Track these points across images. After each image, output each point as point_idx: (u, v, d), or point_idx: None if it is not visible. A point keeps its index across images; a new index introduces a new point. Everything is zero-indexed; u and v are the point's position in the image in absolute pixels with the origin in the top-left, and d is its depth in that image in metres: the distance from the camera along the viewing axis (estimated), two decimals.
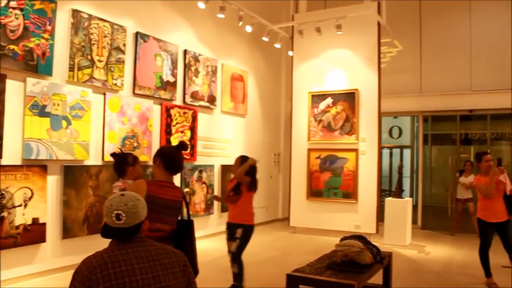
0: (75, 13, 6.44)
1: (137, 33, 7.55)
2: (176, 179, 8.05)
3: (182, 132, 8.50)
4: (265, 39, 9.79)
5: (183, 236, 3.12)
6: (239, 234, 5.54)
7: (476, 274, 6.77)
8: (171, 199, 3.07)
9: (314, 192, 9.85)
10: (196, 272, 3.17)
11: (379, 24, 9.49)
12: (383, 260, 5.25)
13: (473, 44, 10.80)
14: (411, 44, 11.38)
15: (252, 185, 5.67)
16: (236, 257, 5.58)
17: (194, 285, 2.15)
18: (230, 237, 5.65)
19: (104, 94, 6.92)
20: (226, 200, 5.76)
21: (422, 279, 6.52)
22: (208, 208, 9.19)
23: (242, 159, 5.72)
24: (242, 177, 5.54)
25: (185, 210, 3.33)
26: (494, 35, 10.67)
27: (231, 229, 5.64)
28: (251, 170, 5.65)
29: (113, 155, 4.56)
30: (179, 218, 3.27)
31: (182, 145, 3.33)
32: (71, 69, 6.39)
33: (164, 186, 3.09)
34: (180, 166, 3.27)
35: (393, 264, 5.92)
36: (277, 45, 10.25)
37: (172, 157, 3.21)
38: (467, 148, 11.69)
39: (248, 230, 5.60)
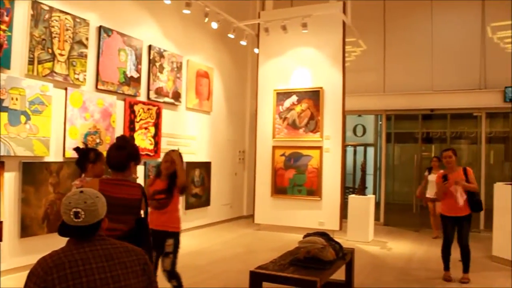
0: (35, 4, 6.25)
1: (100, 27, 7.40)
2: (139, 176, 7.97)
3: (146, 128, 8.39)
4: (231, 36, 9.77)
5: (139, 234, 3.05)
6: (170, 247, 4.66)
7: (436, 268, 6.97)
8: (126, 197, 2.99)
9: (279, 189, 9.91)
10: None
11: (344, 23, 9.60)
12: (345, 256, 5.33)
13: (434, 44, 11.08)
14: (375, 44, 11.58)
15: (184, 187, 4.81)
16: (172, 273, 4.73)
17: (155, 284, 2.12)
18: (159, 248, 4.60)
19: (66, 89, 6.75)
20: (155, 205, 4.69)
21: (384, 275, 6.66)
22: None
23: (180, 155, 4.85)
24: (184, 177, 4.78)
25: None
26: (454, 36, 10.99)
27: (158, 238, 4.50)
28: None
29: (76, 149, 4.44)
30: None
31: (122, 139, 3.29)
32: (31, 62, 6.21)
33: (119, 184, 3.01)
34: (117, 163, 3.17)
35: (356, 260, 6.02)
36: (243, 42, 10.25)
37: (107, 154, 3.16)
38: (428, 146, 11.99)
39: (179, 239, 4.81)
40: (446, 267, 6.41)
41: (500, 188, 7.71)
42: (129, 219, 3.01)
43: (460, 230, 6.24)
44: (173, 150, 4.87)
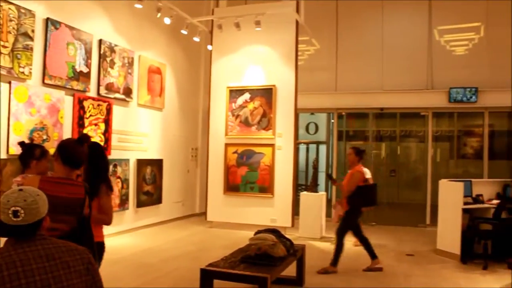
0: None
1: (47, 19, 7.13)
2: None
3: (96, 125, 8.19)
4: (184, 32, 9.68)
5: (82, 234, 2.95)
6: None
7: (384, 263, 7.15)
8: (68, 196, 2.88)
9: (231, 187, 9.91)
10: None
11: (297, 22, 9.69)
12: (296, 253, 5.41)
13: (384, 45, 11.37)
14: (328, 43, 11.77)
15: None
16: None
17: (99, 283, 2.07)
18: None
19: (10, 82, 6.48)
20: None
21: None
22: (123, 204, 8.94)
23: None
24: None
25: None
26: (403, 37, 11.33)
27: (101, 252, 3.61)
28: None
29: (21, 144, 4.28)
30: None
31: (83, 138, 3.19)
32: None
33: (60, 182, 2.90)
34: (79, 160, 3.07)
35: (307, 256, 6.12)
36: (196, 39, 10.18)
37: (69, 150, 3.04)
38: (379, 145, 12.28)
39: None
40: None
41: (444, 185, 8.01)
42: (71, 218, 2.89)
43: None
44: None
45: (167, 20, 9.11)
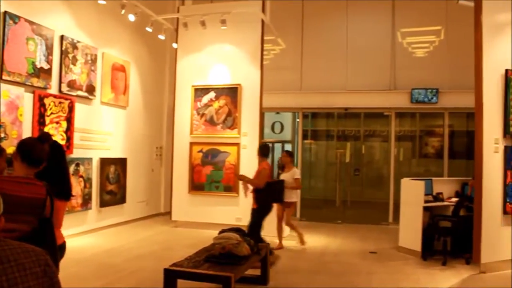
0: None
1: (5, 13, 6.90)
2: None
3: (57, 123, 7.99)
4: (149, 29, 9.57)
5: (43, 235, 2.88)
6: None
7: (348, 261, 7.30)
8: (27, 196, 2.80)
9: (196, 186, 9.86)
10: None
11: (263, 22, 9.72)
12: (260, 252, 5.43)
13: (349, 46, 11.53)
14: (294, 43, 11.85)
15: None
16: None
17: (57, 285, 2.01)
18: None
19: None
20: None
21: (298, 268, 6.84)
22: (85, 203, 8.76)
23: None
24: None
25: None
26: (367, 38, 11.52)
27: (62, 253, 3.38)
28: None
29: None
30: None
31: (44, 136, 3.10)
32: None
33: (20, 182, 2.82)
34: (40, 159, 2.99)
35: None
36: (161, 37, 10.08)
37: (29, 148, 2.95)
38: (343, 144, 12.45)
39: None
40: None
41: (406, 184, 8.19)
42: (32, 219, 2.82)
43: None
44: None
45: (131, 17, 8.99)
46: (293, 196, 8.20)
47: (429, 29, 11.27)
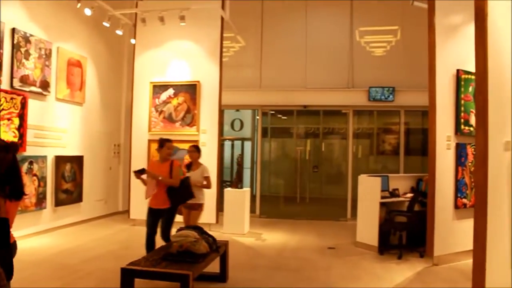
0: None
1: None
2: None
3: (9, 119, 7.72)
4: (106, 24, 9.38)
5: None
6: None
7: (306, 257, 7.39)
8: None
9: None
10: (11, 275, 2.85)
11: (222, 19, 9.68)
12: (219, 249, 5.42)
13: (308, 44, 11.65)
14: (253, 41, 11.88)
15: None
16: None
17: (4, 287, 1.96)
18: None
19: None
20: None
21: (257, 265, 6.86)
22: (40, 203, 8.51)
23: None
24: None
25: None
26: (326, 37, 11.68)
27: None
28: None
29: None
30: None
31: (11, 146, 3.02)
32: None
33: None
34: None
35: (231, 252, 6.15)
36: (119, 32, 9.89)
37: None
38: (303, 141, 12.57)
39: None
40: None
41: (363, 180, 8.35)
42: None
43: (163, 222, 6.18)
44: None
45: (87, 11, 8.78)
46: (201, 197, 6.99)
47: (386, 29, 11.52)
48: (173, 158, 6.57)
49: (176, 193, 6.15)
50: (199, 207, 6.97)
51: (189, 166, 7.16)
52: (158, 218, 6.13)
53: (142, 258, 4.86)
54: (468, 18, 6.73)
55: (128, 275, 4.49)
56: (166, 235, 6.09)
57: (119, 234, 9.12)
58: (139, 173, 6.14)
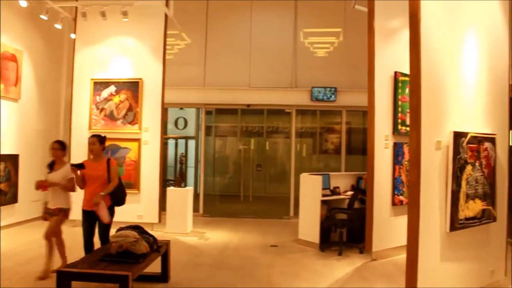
0: None
1: None
2: None
3: None
4: (44, 17, 9.02)
5: None
6: None
7: (248, 255, 7.43)
8: None
9: None
10: None
11: (166, 16, 9.55)
12: (160, 249, 5.36)
13: (252, 43, 11.72)
14: (198, 39, 11.80)
15: None
16: None
17: None
18: None
19: None
20: None
21: (199, 264, 6.83)
22: None
23: None
24: None
25: None
26: (271, 37, 11.79)
27: None
28: None
29: None
30: None
31: None
32: None
33: None
34: None
35: (173, 252, 6.11)
36: (58, 26, 9.54)
37: None
38: (247, 140, 12.63)
39: None
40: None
41: (305, 178, 8.50)
42: None
43: (99, 225, 5.86)
44: None
45: (23, 3, 8.42)
46: (64, 202, 6.33)
47: (329, 30, 11.77)
48: (114, 157, 6.38)
49: (114, 193, 5.83)
50: (60, 212, 6.23)
51: (51, 166, 6.35)
52: (94, 220, 5.82)
53: (79, 260, 4.73)
54: (405, 22, 6.87)
55: (64, 278, 4.35)
56: (103, 240, 5.77)
57: None
58: (77, 167, 5.84)
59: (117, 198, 5.86)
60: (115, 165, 5.94)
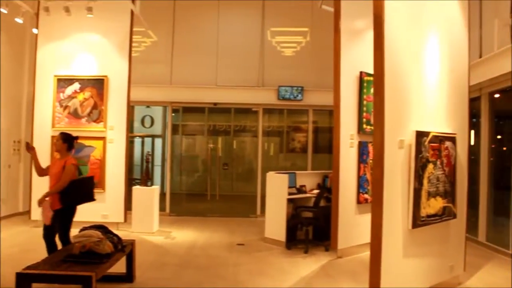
0: None
1: None
2: None
3: None
4: (4, 11, 8.76)
5: None
6: None
7: (215, 254, 7.43)
8: None
9: None
10: None
11: (132, 12, 9.42)
12: (124, 248, 5.28)
13: (220, 42, 11.70)
14: (165, 37, 11.72)
15: None
16: None
17: None
18: None
19: None
20: None
21: (166, 264, 6.77)
22: None
23: None
24: None
25: None
26: (238, 36, 11.81)
27: None
28: None
29: None
30: None
31: None
32: None
33: None
34: None
35: (139, 251, 6.04)
36: (19, 20, 9.28)
37: None
38: (215, 138, 12.59)
39: None
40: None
41: (271, 177, 8.53)
42: None
43: (56, 227, 5.67)
44: None
45: None
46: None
47: (296, 30, 11.87)
48: (79, 155, 6.23)
49: (68, 193, 5.58)
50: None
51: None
52: (52, 220, 5.63)
53: (41, 261, 4.61)
54: (370, 23, 7.00)
55: (24, 280, 4.23)
56: (63, 240, 5.59)
57: (19, 236, 8.59)
58: (28, 148, 5.88)
59: (69, 196, 5.58)
60: (69, 165, 5.64)
